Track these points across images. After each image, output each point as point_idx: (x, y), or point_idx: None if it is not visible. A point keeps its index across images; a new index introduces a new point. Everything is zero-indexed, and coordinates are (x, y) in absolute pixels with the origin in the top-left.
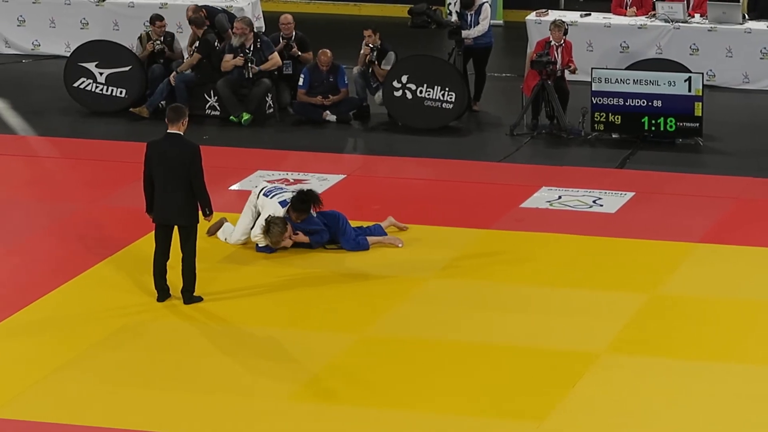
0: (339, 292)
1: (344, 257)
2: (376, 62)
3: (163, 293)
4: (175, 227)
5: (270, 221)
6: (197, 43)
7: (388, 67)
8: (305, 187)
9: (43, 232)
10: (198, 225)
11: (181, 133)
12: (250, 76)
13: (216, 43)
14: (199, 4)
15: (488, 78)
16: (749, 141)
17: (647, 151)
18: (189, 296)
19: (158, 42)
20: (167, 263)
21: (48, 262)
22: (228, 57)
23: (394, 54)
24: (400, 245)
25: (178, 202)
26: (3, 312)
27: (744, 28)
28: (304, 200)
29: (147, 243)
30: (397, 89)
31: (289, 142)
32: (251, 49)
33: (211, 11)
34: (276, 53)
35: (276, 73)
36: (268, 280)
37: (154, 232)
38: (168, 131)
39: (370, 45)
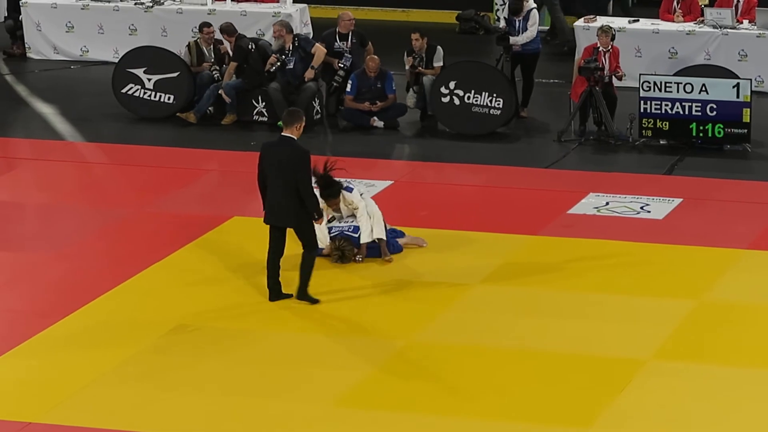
0: (386, 298)
1: (390, 264)
2: (423, 66)
3: (274, 294)
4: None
5: (344, 253)
6: (232, 52)
7: (440, 63)
8: (319, 172)
9: (93, 237)
10: (311, 223)
11: (295, 137)
12: (268, 72)
13: (250, 47)
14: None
15: (536, 84)
16: None
17: (695, 157)
18: (303, 294)
19: (215, 69)
20: (279, 263)
21: (97, 268)
22: (271, 59)
23: (441, 48)
24: (424, 245)
25: (286, 204)
26: (53, 317)
27: None
28: (327, 185)
29: (194, 249)
30: (445, 95)
31: (336, 148)
32: (290, 49)
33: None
34: (318, 45)
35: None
36: (312, 290)
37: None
38: (282, 134)
39: (414, 55)
